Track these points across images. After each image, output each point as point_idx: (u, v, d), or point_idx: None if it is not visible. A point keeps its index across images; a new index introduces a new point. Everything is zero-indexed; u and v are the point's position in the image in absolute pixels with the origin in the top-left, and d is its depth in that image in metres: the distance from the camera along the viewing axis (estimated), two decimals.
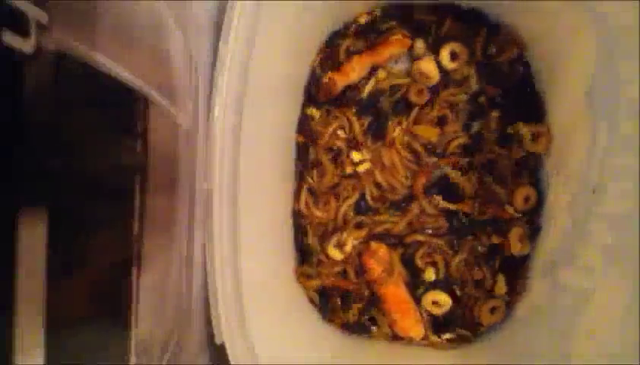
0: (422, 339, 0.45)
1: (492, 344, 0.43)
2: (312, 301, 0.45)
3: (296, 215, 0.45)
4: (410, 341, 0.45)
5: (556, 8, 0.39)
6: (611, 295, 0.35)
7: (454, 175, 0.45)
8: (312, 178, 0.45)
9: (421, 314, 0.45)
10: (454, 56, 0.44)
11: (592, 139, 0.38)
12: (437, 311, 0.45)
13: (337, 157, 0.45)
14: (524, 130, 0.43)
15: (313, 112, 0.45)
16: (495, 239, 0.44)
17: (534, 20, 0.42)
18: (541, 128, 0.43)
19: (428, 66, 0.44)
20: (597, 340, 0.35)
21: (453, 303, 0.45)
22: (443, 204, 0.45)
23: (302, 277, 0.44)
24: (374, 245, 0.44)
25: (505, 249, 0.44)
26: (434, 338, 0.45)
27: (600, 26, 0.36)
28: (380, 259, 0.44)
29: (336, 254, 0.44)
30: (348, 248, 0.44)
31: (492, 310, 0.44)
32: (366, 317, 0.45)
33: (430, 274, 0.45)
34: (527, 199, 0.44)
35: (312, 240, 0.45)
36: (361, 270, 0.44)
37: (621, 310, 0.34)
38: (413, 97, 0.44)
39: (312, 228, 0.45)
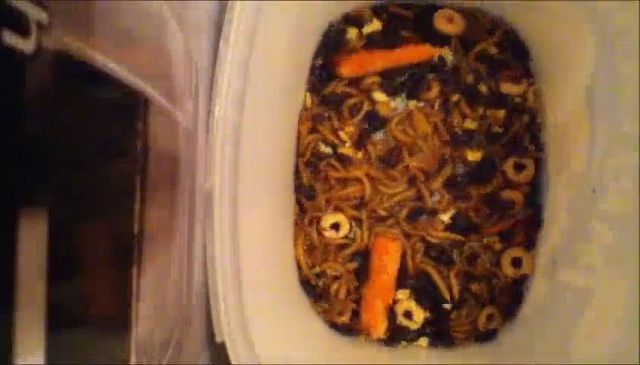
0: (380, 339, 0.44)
1: (492, 344, 0.43)
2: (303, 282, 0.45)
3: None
4: (368, 336, 0.44)
5: (556, 8, 0.39)
6: (611, 295, 0.35)
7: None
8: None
9: (392, 315, 0.44)
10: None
11: (592, 139, 0.38)
12: (408, 323, 0.44)
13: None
14: (508, 167, 0.44)
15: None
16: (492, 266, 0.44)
17: (534, 20, 0.42)
18: (526, 159, 0.44)
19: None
20: (598, 340, 0.35)
21: (430, 315, 0.44)
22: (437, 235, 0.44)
23: (300, 247, 0.44)
24: (389, 234, 0.44)
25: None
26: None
27: (600, 26, 0.36)
28: (392, 248, 0.44)
29: (326, 230, 0.44)
30: (344, 228, 0.44)
31: (490, 317, 0.44)
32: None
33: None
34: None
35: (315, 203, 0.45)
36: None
37: (621, 310, 0.34)
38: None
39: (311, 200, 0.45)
